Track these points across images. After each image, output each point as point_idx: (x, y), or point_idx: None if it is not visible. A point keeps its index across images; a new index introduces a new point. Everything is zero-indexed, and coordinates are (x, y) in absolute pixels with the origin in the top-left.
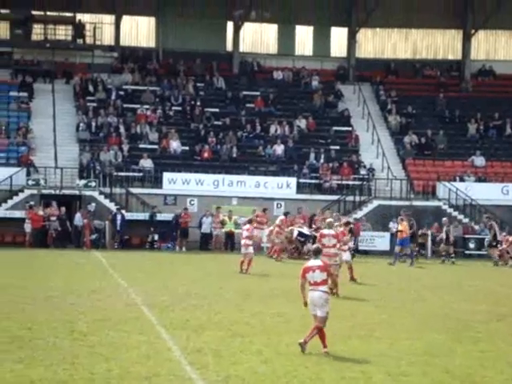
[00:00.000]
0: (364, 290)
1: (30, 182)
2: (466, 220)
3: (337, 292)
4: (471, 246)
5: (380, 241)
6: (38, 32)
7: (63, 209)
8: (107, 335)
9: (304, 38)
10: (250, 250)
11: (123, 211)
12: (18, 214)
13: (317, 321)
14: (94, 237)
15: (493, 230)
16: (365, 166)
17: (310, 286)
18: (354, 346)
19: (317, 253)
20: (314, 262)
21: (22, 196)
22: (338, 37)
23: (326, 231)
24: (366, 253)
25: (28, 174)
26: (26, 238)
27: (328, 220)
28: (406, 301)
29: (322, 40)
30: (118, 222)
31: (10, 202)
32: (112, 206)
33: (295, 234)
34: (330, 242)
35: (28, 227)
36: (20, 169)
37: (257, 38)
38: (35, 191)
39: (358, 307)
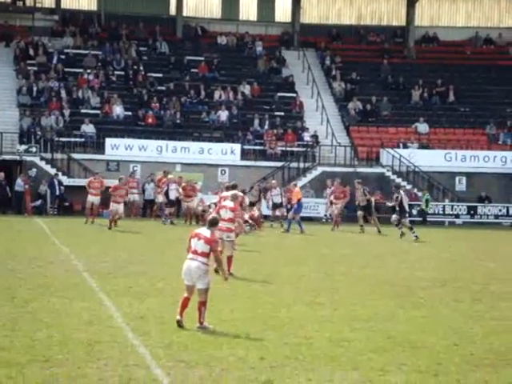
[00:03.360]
0: (309, 256)
1: None
2: (409, 187)
3: (224, 274)
4: (414, 212)
5: (323, 207)
6: None
7: (2, 174)
8: (48, 302)
9: (248, 2)
10: None
11: (60, 176)
12: None
13: (198, 294)
14: (38, 203)
15: (399, 199)
16: (309, 132)
17: (189, 254)
18: (297, 311)
19: (212, 224)
20: (203, 231)
21: None
22: (283, 2)
23: (224, 202)
24: (310, 219)
25: None
26: None
27: (232, 192)
28: (352, 267)
29: (266, 5)
30: (56, 188)
31: None
32: (53, 172)
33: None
34: (227, 214)
35: None
36: None
37: (200, 1)
38: None
39: (303, 274)
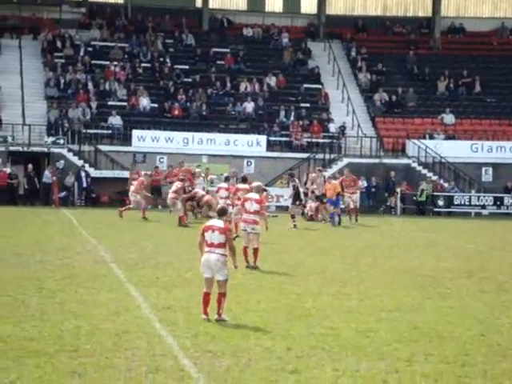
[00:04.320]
0: (333, 247)
1: None
2: (435, 178)
3: (235, 263)
4: (440, 203)
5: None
6: None
7: (30, 166)
8: (76, 292)
9: None
10: (230, 210)
11: (87, 167)
12: None
13: (217, 286)
14: (63, 194)
15: (296, 187)
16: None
17: (206, 247)
18: (323, 302)
19: (221, 213)
20: (215, 222)
21: None
22: None
23: (249, 195)
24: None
25: None
26: None
27: (255, 183)
28: (378, 258)
29: None
30: (83, 180)
31: None
32: (80, 164)
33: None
34: (252, 206)
35: None
36: None
37: None
38: (3, 148)
39: (329, 264)
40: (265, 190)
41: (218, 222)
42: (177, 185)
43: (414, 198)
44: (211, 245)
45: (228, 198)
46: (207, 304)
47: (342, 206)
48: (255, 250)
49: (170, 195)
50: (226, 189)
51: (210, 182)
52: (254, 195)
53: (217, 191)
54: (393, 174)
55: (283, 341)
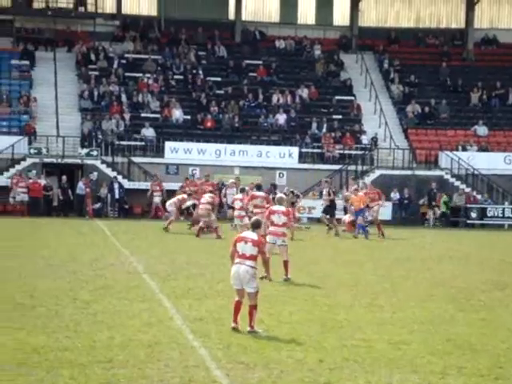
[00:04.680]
0: (364, 259)
1: (32, 151)
2: (468, 189)
3: (269, 276)
4: (473, 215)
5: (382, 210)
6: (39, 0)
7: (65, 177)
8: (109, 303)
9: (306, 6)
10: (246, 220)
11: (120, 179)
12: (22, 183)
13: (248, 299)
14: (97, 206)
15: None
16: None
17: (236, 258)
18: (355, 314)
19: (255, 226)
20: (248, 234)
21: (23, 164)
22: (341, 5)
23: (275, 207)
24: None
25: (30, 142)
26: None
27: (278, 195)
28: (411, 270)
29: (324, 8)
30: (116, 191)
31: (12, 171)
32: (113, 175)
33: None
34: (280, 219)
35: (24, 196)
36: (22, 137)
37: (259, 6)
38: (37, 160)
39: (361, 276)
40: (298, 197)
41: (251, 234)
42: (210, 196)
43: (440, 211)
44: (242, 256)
45: (242, 209)
46: (238, 312)
47: (370, 218)
48: (285, 263)
49: (206, 206)
50: (241, 199)
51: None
52: (281, 207)
53: (232, 202)
54: (434, 185)
55: (315, 353)
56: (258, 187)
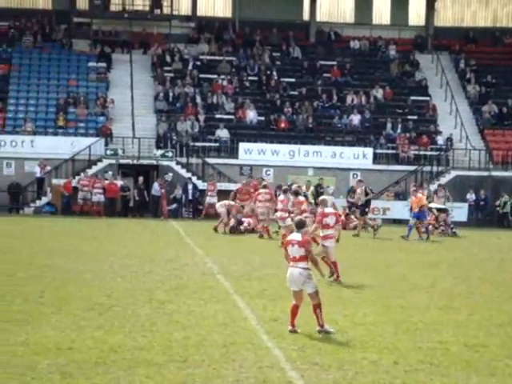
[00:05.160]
0: (440, 260)
1: (109, 152)
2: None
3: (321, 273)
4: None
5: (458, 212)
6: (116, 2)
7: (141, 178)
8: (184, 303)
9: (381, 6)
10: (289, 221)
11: (195, 180)
12: (98, 184)
13: (310, 299)
14: (173, 206)
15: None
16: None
17: (290, 261)
18: (432, 316)
19: (299, 226)
20: (294, 236)
21: (100, 166)
22: (416, 5)
23: (327, 210)
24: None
25: (106, 144)
26: (94, 207)
27: (322, 197)
28: (487, 271)
29: (399, 8)
30: (190, 192)
31: (89, 172)
32: (188, 176)
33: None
34: (332, 221)
35: (101, 197)
36: (98, 139)
37: (334, 6)
38: (113, 161)
39: (437, 278)
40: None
41: (296, 236)
42: (266, 192)
43: (497, 209)
44: (293, 259)
45: (284, 210)
46: (294, 316)
47: (428, 218)
48: (334, 264)
49: (266, 204)
50: (282, 201)
51: (311, 195)
52: (332, 209)
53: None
54: None
55: (390, 354)
56: (284, 191)
